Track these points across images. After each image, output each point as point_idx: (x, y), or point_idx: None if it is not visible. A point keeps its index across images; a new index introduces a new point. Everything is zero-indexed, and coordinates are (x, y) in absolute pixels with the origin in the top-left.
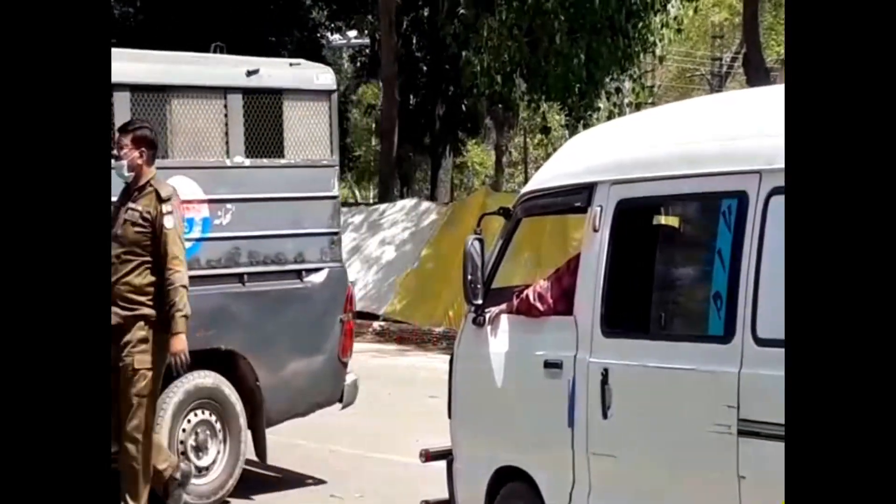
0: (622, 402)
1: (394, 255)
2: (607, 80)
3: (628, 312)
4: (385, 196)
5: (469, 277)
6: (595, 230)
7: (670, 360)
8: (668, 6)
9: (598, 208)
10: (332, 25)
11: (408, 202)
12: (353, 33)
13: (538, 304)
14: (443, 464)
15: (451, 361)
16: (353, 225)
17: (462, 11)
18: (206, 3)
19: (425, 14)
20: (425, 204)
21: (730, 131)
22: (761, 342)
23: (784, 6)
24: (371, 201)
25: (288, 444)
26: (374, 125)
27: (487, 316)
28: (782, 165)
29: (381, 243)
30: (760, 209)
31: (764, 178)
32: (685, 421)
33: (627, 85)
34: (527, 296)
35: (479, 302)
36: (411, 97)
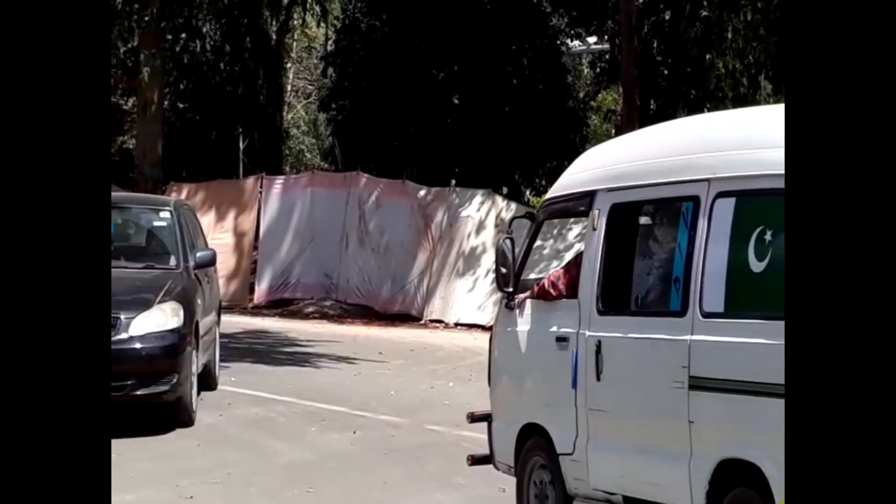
0: (610, 366)
1: None
2: None
3: (616, 294)
4: None
5: (502, 270)
6: (594, 229)
7: (644, 331)
8: None
9: (597, 211)
10: (572, 32)
11: None
12: (592, 39)
13: (552, 290)
14: None
15: (490, 339)
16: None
17: (705, 13)
18: (450, 14)
19: (667, 17)
20: None
21: (688, 148)
22: (706, 315)
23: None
24: None
25: (462, 437)
26: (613, 131)
27: (516, 301)
28: (725, 174)
29: None
30: (708, 209)
31: (711, 185)
32: (653, 379)
33: None
34: (544, 283)
35: (510, 290)
36: (652, 102)
